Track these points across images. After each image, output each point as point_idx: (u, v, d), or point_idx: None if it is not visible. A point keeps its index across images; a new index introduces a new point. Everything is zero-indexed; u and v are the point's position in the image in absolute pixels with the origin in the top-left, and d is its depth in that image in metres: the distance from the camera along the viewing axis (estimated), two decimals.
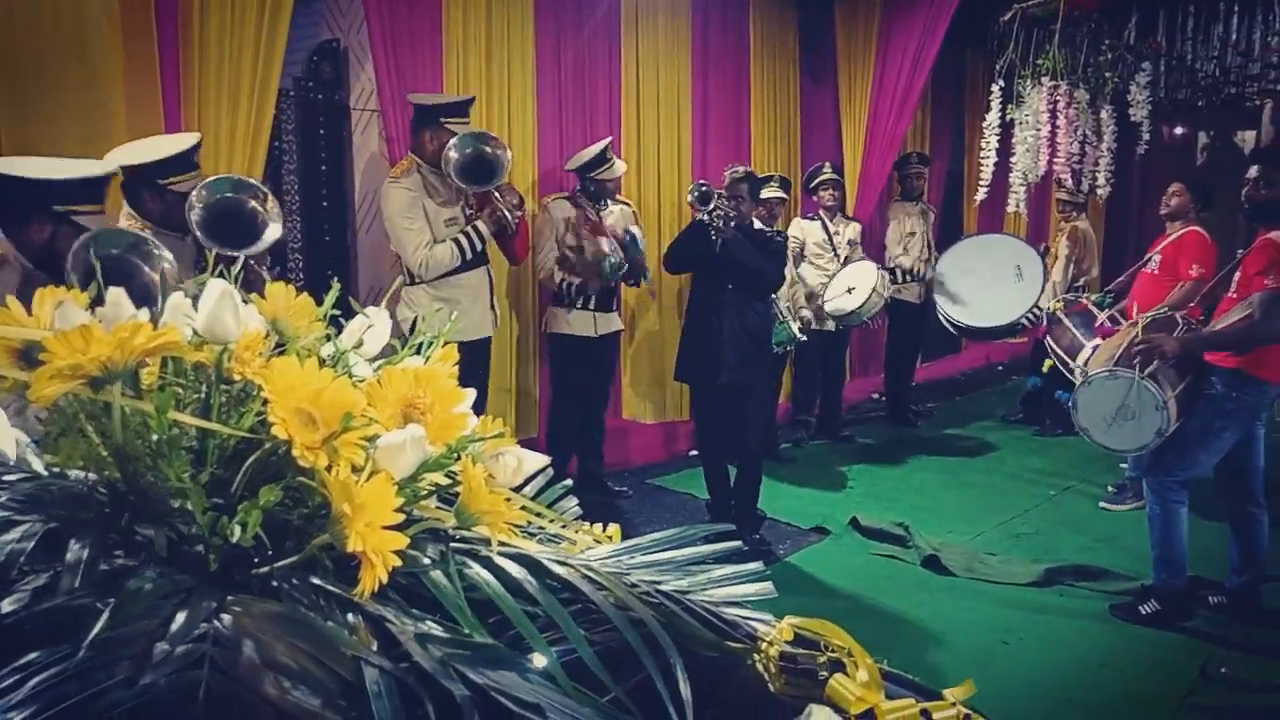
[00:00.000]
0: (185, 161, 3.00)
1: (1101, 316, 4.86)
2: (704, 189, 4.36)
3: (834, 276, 6.28)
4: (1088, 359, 4.42)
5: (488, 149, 4.08)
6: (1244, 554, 3.85)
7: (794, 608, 1.11)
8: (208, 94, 3.72)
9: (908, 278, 6.82)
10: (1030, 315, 6.15)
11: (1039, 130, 5.54)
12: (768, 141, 6.72)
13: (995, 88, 5.70)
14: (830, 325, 6.28)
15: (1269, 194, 3.55)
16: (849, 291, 6.17)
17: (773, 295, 5.56)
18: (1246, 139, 10.38)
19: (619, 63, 5.69)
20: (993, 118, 5.71)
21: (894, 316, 7.00)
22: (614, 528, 1.23)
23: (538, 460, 1.13)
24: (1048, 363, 5.02)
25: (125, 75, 3.47)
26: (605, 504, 5.16)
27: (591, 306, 5.00)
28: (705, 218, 4.30)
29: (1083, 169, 5.77)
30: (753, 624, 1.05)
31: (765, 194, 5.87)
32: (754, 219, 4.77)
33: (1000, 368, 9.36)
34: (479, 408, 3.58)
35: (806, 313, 6.16)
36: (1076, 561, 4.37)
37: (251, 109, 3.82)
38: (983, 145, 5.83)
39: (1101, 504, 5.23)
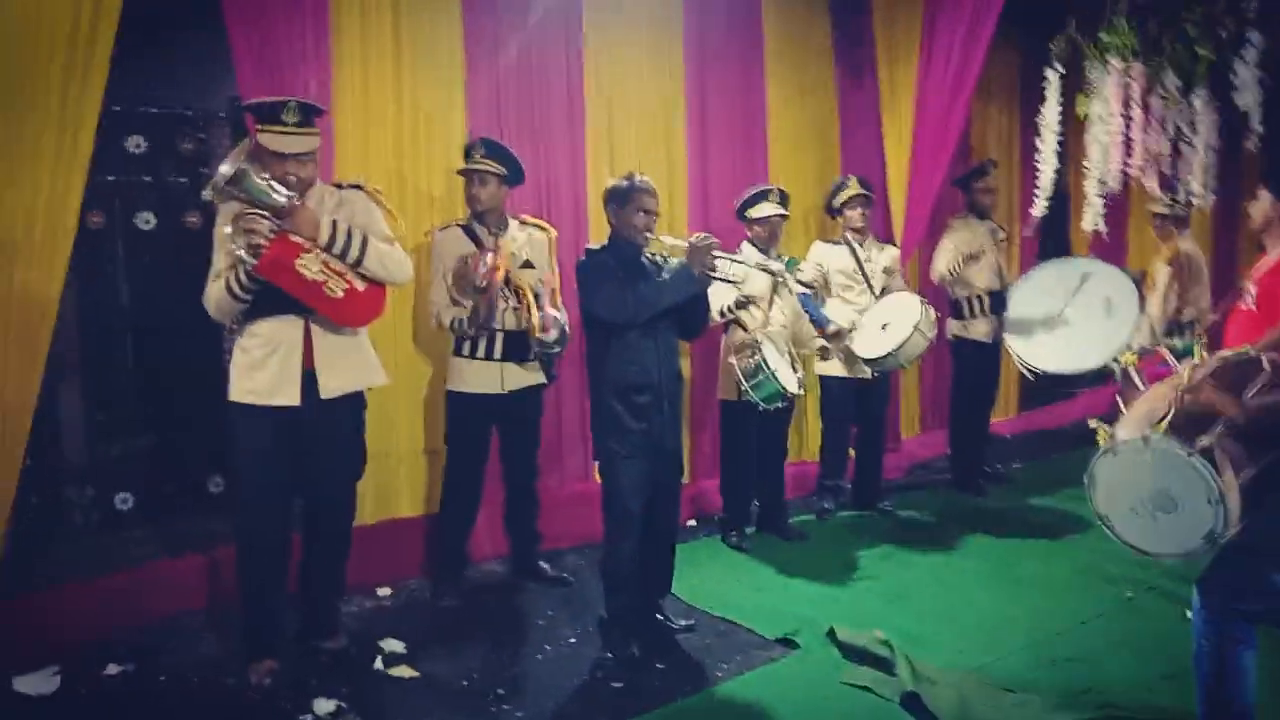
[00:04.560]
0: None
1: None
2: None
3: (866, 311, 5.16)
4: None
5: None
6: None
7: None
8: None
9: (974, 311, 5.62)
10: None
11: (1109, 126, 4.28)
12: (792, 149, 5.66)
13: (1052, 73, 4.45)
14: (866, 372, 5.17)
15: None
16: (883, 329, 5.04)
17: (759, 339, 4.54)
18: None
19: (580, 58, 4.79)
20: (1050, 112, 4.46)
21: (959, 359, 5.81)
22: None
23: None
24: (1103, 430, 3.76)
25: None
26: (540, 593, 4.21)
27: (498, 356, 4.03)
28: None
29: (1176, 173, 4.45)
30: None
31: (759, 212, 4.83)
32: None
33: None
34: (271, 493, 3.33)
35: (829, 354, 5.09)
36: (1128, 706, 3.17)
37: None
38: (1039, 146, 4.57)
39: (1189, 614, 3.91)
